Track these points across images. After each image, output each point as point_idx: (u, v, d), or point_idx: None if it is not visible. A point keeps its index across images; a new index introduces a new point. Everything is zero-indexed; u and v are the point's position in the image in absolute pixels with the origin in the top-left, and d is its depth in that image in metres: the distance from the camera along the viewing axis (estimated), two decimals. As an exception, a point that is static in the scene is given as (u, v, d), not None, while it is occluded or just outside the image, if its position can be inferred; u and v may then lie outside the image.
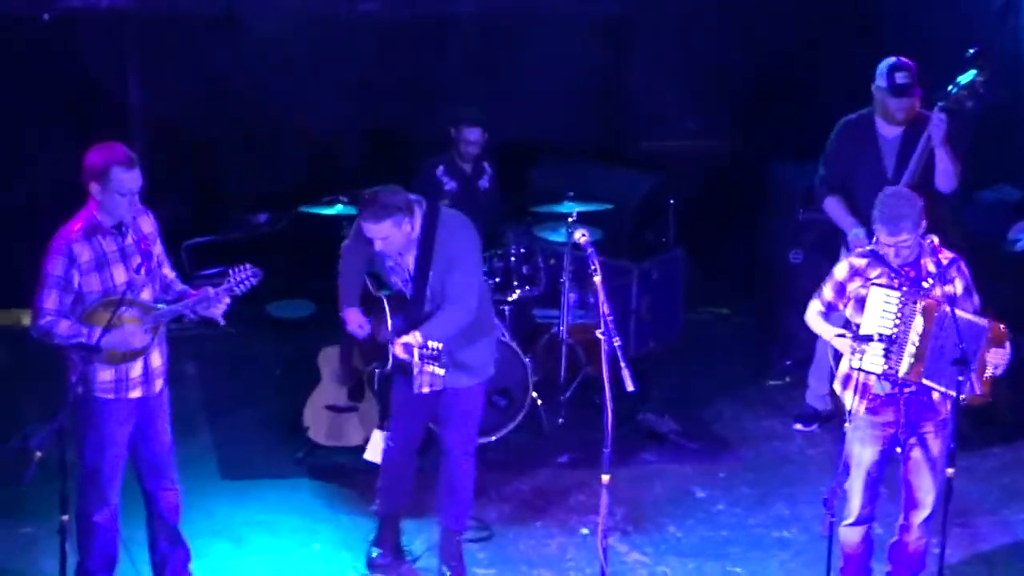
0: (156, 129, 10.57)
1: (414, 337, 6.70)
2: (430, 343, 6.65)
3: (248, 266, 6.54)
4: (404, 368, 7.00)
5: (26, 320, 9.56)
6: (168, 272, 6.74)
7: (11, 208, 10.12)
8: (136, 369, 6.53)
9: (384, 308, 7.00)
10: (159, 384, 6.66)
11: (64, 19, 10.39)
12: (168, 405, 6.77)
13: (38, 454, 5.93)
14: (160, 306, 6.52)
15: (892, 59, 8.33)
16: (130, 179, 6.36)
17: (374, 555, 7.40)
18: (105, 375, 6.48)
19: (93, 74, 10.54)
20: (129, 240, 6.48)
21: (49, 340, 6.33)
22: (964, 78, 8.03)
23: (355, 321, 7.16)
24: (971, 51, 8.11)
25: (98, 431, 6.51)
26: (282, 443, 8.67)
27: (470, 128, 9.32)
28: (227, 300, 6.54)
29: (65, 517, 6.11)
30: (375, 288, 7.22)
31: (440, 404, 7.18)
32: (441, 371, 6.71)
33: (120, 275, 6.44)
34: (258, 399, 9.20)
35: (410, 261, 6.95)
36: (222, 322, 6.60)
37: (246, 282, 6.52)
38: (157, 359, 6.62)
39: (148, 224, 6.62)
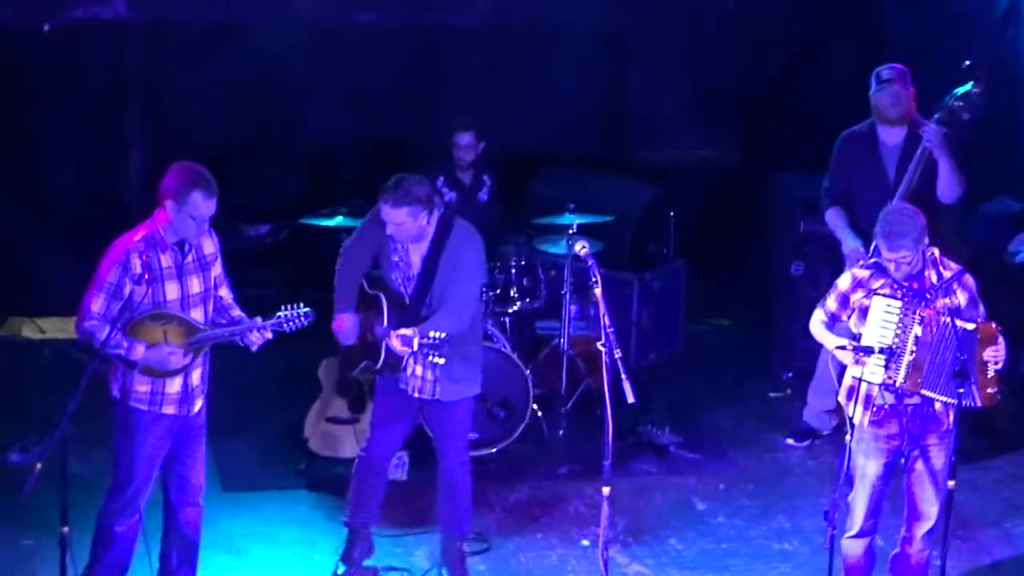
0: (157, 140, 10.57)
1: (412, 330, 6.71)
2: (431, 332, 6.65)
3: (301, 305, 6.59)
4: (394, 366, 6.98)
5: (25, 330, 9.67)
6: (226, 294, 6.75)
7: (10, 220, 10.12)
8: (173, 385, 6.53)
9: (382, 305, 6.99)
10: (198, 404, 6.67)
11: (65, 30, 10.39)
12: (205, 425, 6.77)
13: (38, 465, 5.91)
14: (206, 328, 6.54)
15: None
16: (206, 206, 6.42)
17: (341, 572, 7.33)
18: (141, 386, 6.49)
19: (94, 85, 10.55)
20: (189, 259, 6.51)
21: (91, 344, 6.33)
22: (960, 90, 8.05)
23: (348, 327, 7.11)
24: (967, 63, 8.13)
25: (130, 440, 6.51)
26: (283, 455, 8.66)
27: (461, 133, 9.34)
28: (269, 335, 6.58)
29: (66, 529, 6.07)
30: (371, 288, 7.20)
31: (434, 418, 7.18)
32: (441, 360, 6.69)
33: (172, 291, 6.45)
34: (259, 411, 9.20)
35: (417, 260, 6.98)
36: (254, 350, 6.63)
37: (296, 321, 6.57)
38: (197, 378, 6.63)
39: (210, 245, 6.64)
